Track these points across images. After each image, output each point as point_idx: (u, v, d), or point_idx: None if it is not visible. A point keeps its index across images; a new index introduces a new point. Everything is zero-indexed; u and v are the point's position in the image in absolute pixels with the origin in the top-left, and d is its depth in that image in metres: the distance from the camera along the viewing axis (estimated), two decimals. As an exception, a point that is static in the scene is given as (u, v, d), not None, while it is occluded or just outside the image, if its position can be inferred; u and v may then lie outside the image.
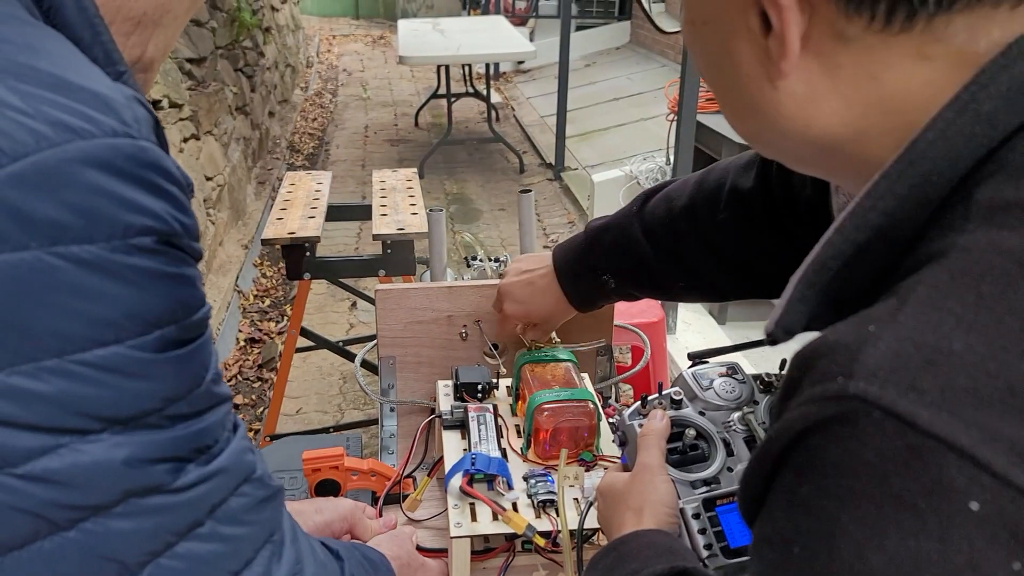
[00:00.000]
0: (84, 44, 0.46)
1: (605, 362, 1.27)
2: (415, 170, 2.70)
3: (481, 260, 1.30)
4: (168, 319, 0.45)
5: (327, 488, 1.05)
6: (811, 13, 0.42)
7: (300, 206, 2.31)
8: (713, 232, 0.91)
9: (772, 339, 0.48)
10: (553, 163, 5.80)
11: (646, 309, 2.70)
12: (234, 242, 4.55)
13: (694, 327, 3.50)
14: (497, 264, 1.30)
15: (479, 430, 0.99)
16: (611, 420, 1.01)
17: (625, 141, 5.87)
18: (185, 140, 4.05)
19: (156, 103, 3.79)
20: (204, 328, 0.49)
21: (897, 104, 0.43)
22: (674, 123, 3.53)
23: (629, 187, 4.49)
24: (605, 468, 0.97)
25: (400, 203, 2.35)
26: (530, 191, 1.33)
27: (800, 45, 0.43)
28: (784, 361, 0.88)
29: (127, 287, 0.43)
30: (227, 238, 4.50)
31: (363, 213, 2.51)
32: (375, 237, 2.14)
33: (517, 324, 1.11)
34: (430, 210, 1.26)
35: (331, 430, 2.59)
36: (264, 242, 2.11)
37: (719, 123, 3.62)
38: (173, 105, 3.97)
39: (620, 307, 2.78)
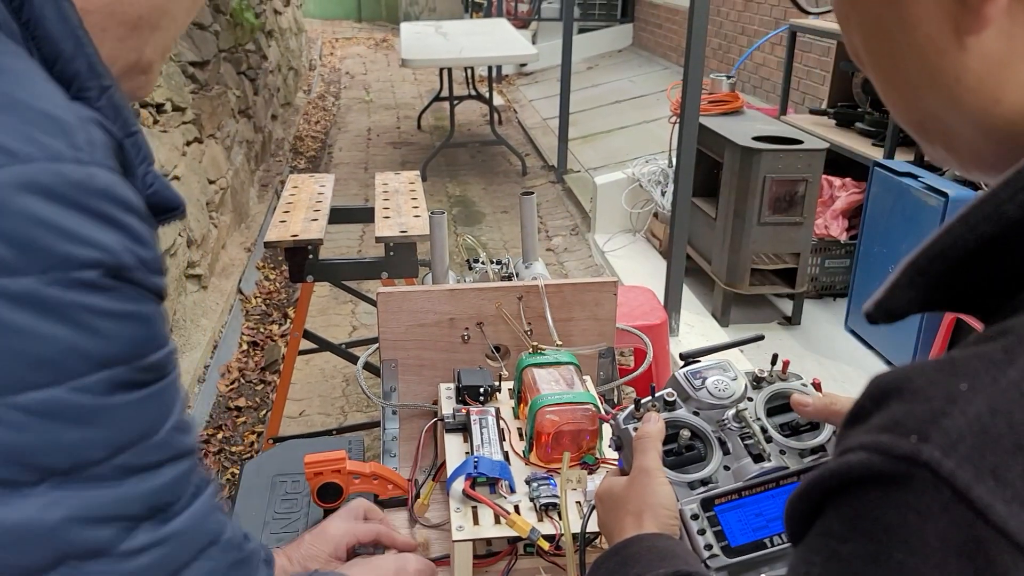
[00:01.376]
0: (66, 56, 0.44)
1: (607, 364, 1.27)
2: (417, 173, 2.70)
3: (483, 263, 1.30)
4: (118, 359, 0.41)
5: (329, 492, 1.05)
6: None
7: (303, 209, 2.32)
8: None
9: (870, 319, 0.43)
10: (555, 165, 5.80)
11: (649, 312, 2.70)
12: (237, 245, 4.56)
13: (697, 329, 3.50)
14: (499, 267, 1.30)
15: (481, 433, 0.99)
16: (607, 423, 1.01)
17: (628, 143, 5.87)
18: (188, 143, 4.05)
19: (159, 106, 3.80)
20: (165, 371, 0.44)
21: None
22: (676, 126, 3.53)
23: (631, 189, 4.50)
24: (608, 472, 0.97)
25: (402, 205, 2.35)
26: (532, 193, 1.33)
27: None
28: (775, 356, 0.88)
29: (66, 324, 0.39)
30: (230, 241, 4.51)
31: (366, 216, 2.51)
32: (378, 239, 2.14)
33: None
34: (432, 213, 1.27)
35: (334, 433, 2.59)
36: (267, 244, 2.11)
37: (721, 125, 3.62)
38: (176, 108, 3.98)
39: (622, 309, 2.78)
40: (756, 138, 3.41)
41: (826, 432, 0.81)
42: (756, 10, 6.07)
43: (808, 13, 0.54)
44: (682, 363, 0.89)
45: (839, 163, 3.61)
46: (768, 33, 4.82)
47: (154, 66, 0.54)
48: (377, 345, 1.21)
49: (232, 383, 3.43)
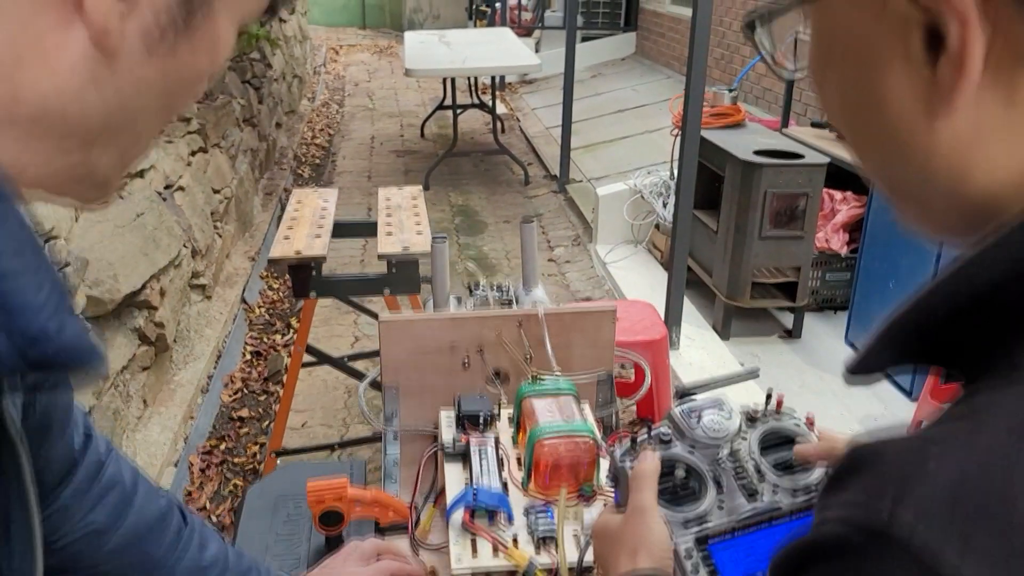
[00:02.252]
0: None
1: (606, 389, 1.29)
2: (420, 187, 2.72)
3: (484, 289, 1.32)
4: None
5: (331, 518, 1.07)
6: (991, 34, 0.36)
7: (306, 224, 2.34)
8: None
9: (851, 374, 0.45)
10: (558, 175, 5.82)
11: (649, 326, 2.72)
12: (241, 254, 4.58)
13: (697, 342, 3.51)
14: (499, 292, 1.32)
15: (480, 463, 1.01)
16: (603, 457, 1.03)
17: (630, 153, 5.90)
18: (193, 153, 4.08)
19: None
20: None
21: None
22: (678, 139, 3.55)
23: (633, 201, 4.52)
24: (605, 503, 0.98)
25: (405, 221, 2.37)
26: (533, 221, 1.35)
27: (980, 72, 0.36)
28: (770, 394, 0.90)
29: None
30: (234, 250, 4.53)
31: (369, 230, 2.53)
32: (380, 257, 2.16)
33: None
34: (434, 239, 1.28)
35: (335, 447, 2.61)
36: (271, 262, 2.13)
37: (723, 139, 3.64)
38: (181, 119, 4.00)
39: (623, 324, 2.79)
40: (757, 152, 3.43)
41: (818, 471, 0.82)
42: (759, 21, 6.09)
43: (782, 78, 0.56)
44: (679, 398, 0.91)
45: (840, 176, 3.62)
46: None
47: (112, 181, 0.46)
48: (379, 370, 1.22)
49: (235, 393, 3.45)
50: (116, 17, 0.38)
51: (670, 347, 3.26)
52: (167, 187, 3.60)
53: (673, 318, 3.44)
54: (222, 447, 3.08)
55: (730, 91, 3.81)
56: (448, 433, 1.10)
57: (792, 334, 3.65)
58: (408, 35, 6.93)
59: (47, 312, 0.37)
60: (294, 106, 7.59)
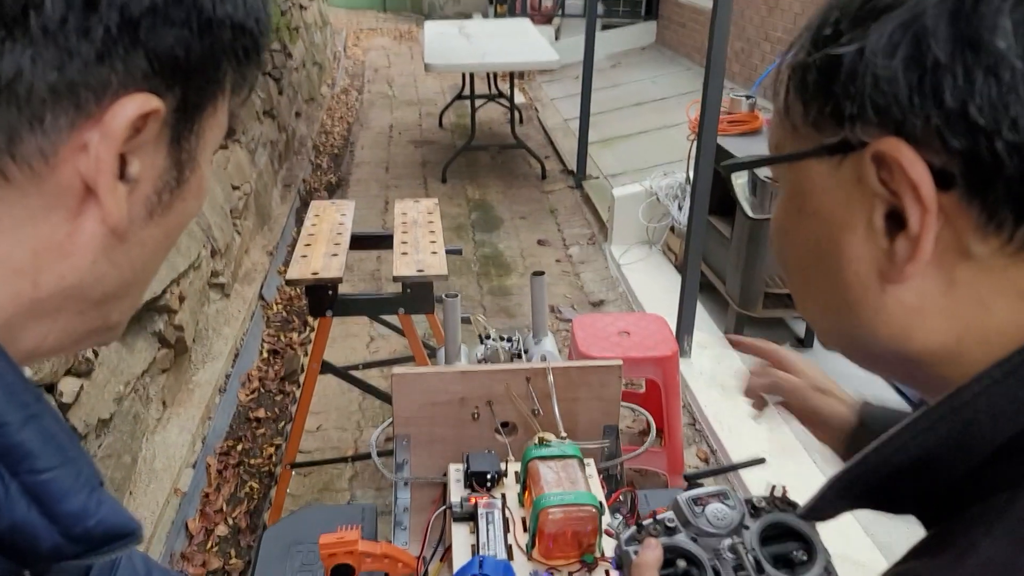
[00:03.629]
0: None
1: (611, 443, 1.32)
2: (435, 201, 2.75)
3: (493, 340, 1.36)
4: None
5: (342, 571, 1.11)
6: (942, 223, 0.41)
7: (324, 242, 2.37)
8: None
9: (803, 519, 0.52)
10: (575, 171, 5.82)
11: (660, 342, 2.74)
12: (259, 248, 4.63)
13: (709, 351, 3.53)
14: (509, 343, 1.36)
15: (487, 529, 1.05)
16: (608, 530, 1.06)
17: (646, 149, 5.88)
18: (213, 152, 4.12)
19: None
20: None
21: (997, 337, 0.42)
22: (694, 143, 3.55)
23: (649, 203, 4.52)
24: (607, 571, 1.02)
25: (420, 240, 2.40)
26: (543, 274, 1.38)
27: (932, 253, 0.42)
28: (774, 488, 0.93)
29: None
30: (252, 245, 4.59)
31: (385, 243, 2.56)
32: (395, 279, 2.20)
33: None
34: (444, 296, 1.32)
35: (350, 460, 2.66)
36: (289, 283, 2.17)
37: (739, 147, 3.63)
38: (201, 117, 4.04)
39: (634, 339, 2.81)
40: (774, 163, 3.42)
41: (818, 567, 0.85)
42: (780, 16, 6.04)
43: (749, 218, 0.60)
44: (686, 485, 0.94)
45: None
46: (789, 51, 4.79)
47: (121, 323, 0.49)
48: (391, 421, 1.26)
49: (252, 392, 3.51)
50: (124, 199, 0.40)
51: (681, 356, 3.29)
52: (187, 187, 3.64)
53: (685, 326, 3.46)
54: (239, 448, 3.15)
55: (747, 98, 3.80)
56: (457, 493, 1.14)
57: (804, 343, 3.66)
58: (428, 25, 6.92)
59: (85, 493, 0.41)
60: (313, 94, 7.61)
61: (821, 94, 0.45)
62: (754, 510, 0.90)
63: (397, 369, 1.23)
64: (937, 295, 0.43)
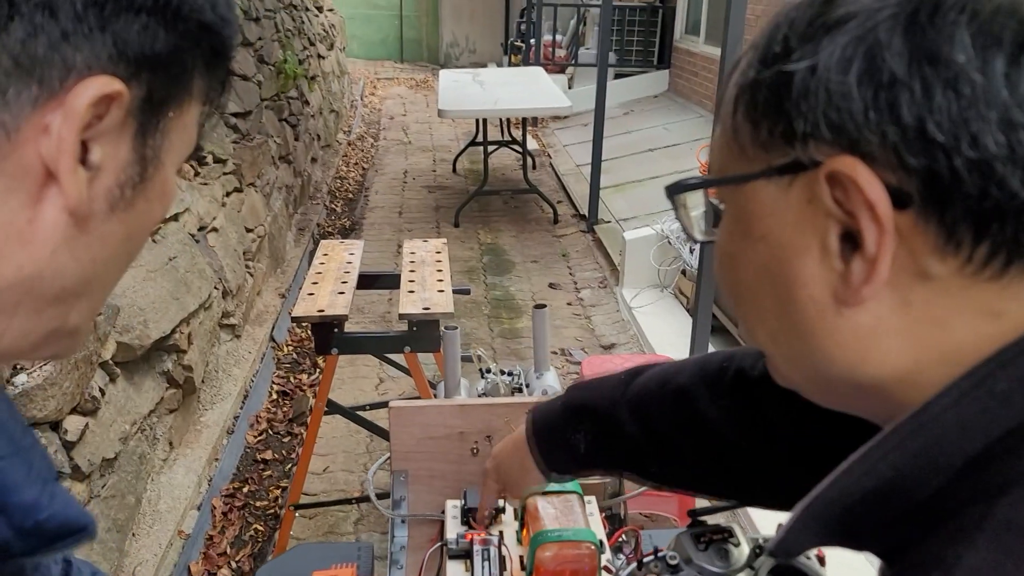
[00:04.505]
0: None
1: (614, 480, 1.29)
2: (444, 241, 2.75)
3: (494, 374, 1.34)
4: None
5: (335, 610, 1.08)
6: (898, 243, 0.40)
7: (331, 280, 2.37)
8: (706, 417, 0.78)
9: (774, 556, 0.50)
10: (587, 215, 5.84)
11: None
12: (272, 291, 4.65)
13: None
14: (510, 378, 1.34)
15: (483, 567, 1.02)
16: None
17: (659, 194, 5.82)
18: (228, 194, 4.17)
19: (201, 159, 3.93)
20: None
21: (955, 355, 0.41)
22: (705, 189, 3.55)
23: (660, 246, 4.52)
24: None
25: (427, 278, 2.40)
26: (544, 307, 1.37)
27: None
28: (780, 526, 0.89)
29: None
30: (265, 287, 4.61)
31: (392, 282, 2.56)
32: (401, 317, 2.19)
33: (495, 489, 1.02)
34: (444, 329, 1.30)
35: (354, 502, 2.62)
36: (294, 319, 2.17)
37: (750, 190, 3.63)
38: (217, 160, 4.10)
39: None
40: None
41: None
42: (791, 64, 6.09)
43: (694, 240, 0.58)
44: (689, 520, 0.91)
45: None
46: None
47: (81, 329, 0.47)
48: (387, 457, 1.24)
49: (260, 434, 3.49)
50: (85, 185, 0.40)
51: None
52: (200, 229, 3.68)
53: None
54: (245, 490, 3.11)
55: (759, 142, 3.81)
56: (452, 529, 1.11)
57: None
58: (443, 74, 7.04)
59: (38, 485, 0.40)
60: (330, 140, 7.72)
61: (772, 113, 0.44)
62: (760, 549, 0.87)
63: (395, 402, 1.22)
64: (893, 316, 0.42)
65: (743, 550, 0.86)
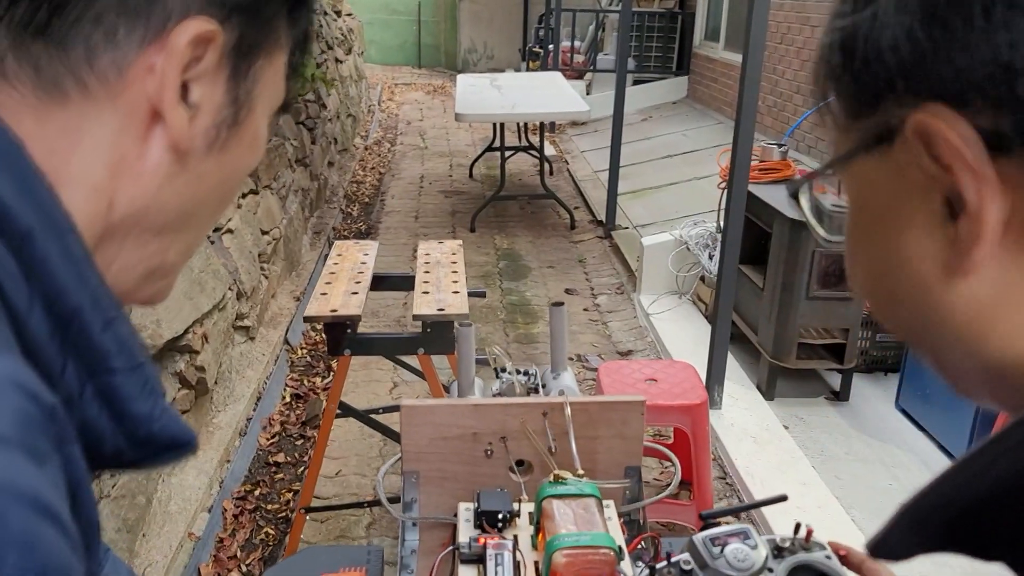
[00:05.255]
0: (68, 292, 0.42)
1: (634, 485, 1.24)
2: (459, 243, 2.72)
3: (510, 373, 1.29)
4: None
5: (342, 615, 1.04)
6: (1014, 197, 0.36)
7: (344, 280, 2.34)
8: None
9: (872, 556, 0.43)
10: (604, 221, 5.79)
11: (689, 390, 2.65)
12: (287, 293, 4.64)
13: (741, 403, 3.42)
14: (526, 377, 1.29)
15: (496, 571, 0.98)
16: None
17: (677, 200, 5.84)
18: (243, 196, 4.16)
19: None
20: None
21: None
22: (725, 191, 3.50)
23: (678, 252, 4.46)
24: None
25: (442, 279, 2.36)
26: (562, 304, 1.32)
27: (999, 232, 0.36)
28: (799, 525, 0.85)
29: None
30: (280, 290, 4.59)
31: (407, 284, 2.53)
32: (415, 318, 2.15)
33: None
34: (459, 325, 1.26)
35: (365, 505, 2.59)
36: (306, 319, 2.14)
37: (770, 195, 3.58)
38: (233, 162, 4.09)
39: (662, 386, 2.73)
40: (806, 210, 3.35)
41: (847, 617, 0.77)
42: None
43: (820, 241, 0.54)
44: (702, 524, 0.86)
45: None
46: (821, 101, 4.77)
47: (176, 268, 0.51)
48: (399, 457, 1.20)
49: (273, 437, 3.46)
50: (186, 122, 0.44)
51: (712, 407, 3.18)
52: (215, 230, 3.67)
53: (716, 376, 3.36)
54: (256, 493, 3.08)
55: (779, 146, 3.75)
56: (465, 533, 1.06)
57: (839, 396, 3.54)
58: (460, 78, 7.02)
59: (152, 399, 0.44)
60: (347, 144, 7.73)
61: (847, 75, 0.40)
62: (778, 551, 0.82)
63: (406, 400, 1.18)
64: (1016, 286, 0.37)
65: (760, 552, 0.81)
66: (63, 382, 0.41)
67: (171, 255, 0.49)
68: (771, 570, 0.80)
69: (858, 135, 0.41)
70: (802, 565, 0.81)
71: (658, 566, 0.80)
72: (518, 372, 1.30)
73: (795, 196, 0.49)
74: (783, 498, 0.93)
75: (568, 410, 1.15)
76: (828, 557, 0.82)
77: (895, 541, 0.43)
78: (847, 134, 0.42)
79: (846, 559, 0.82)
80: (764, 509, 2.48)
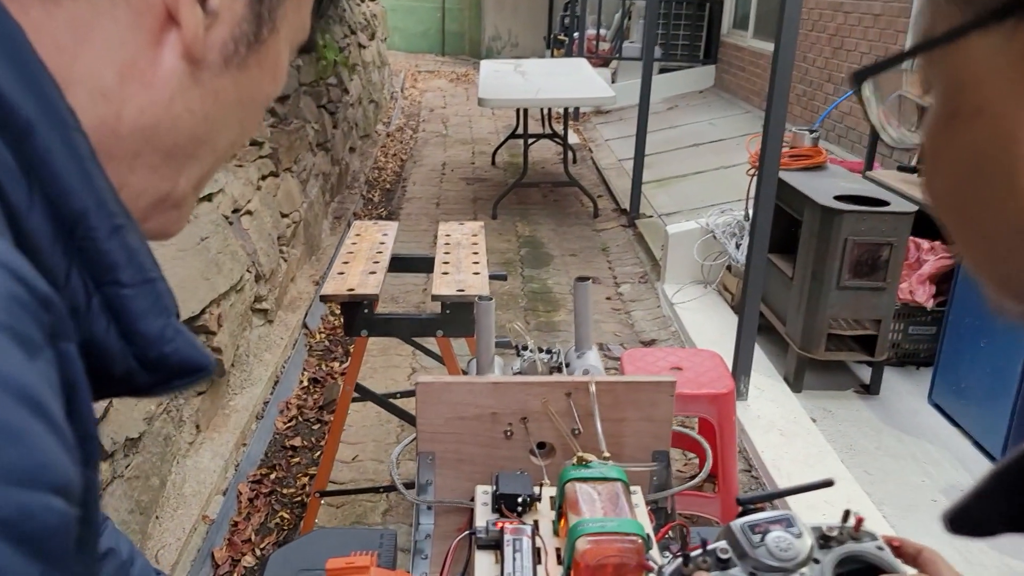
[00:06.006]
0: (72, 193, 0.40)
1: (662, 470, 1.17)
2: (481, 224, 2.65)
3: (531, 351, 1.23)
4: None
5: (350, 601, 0.98)
6: None
7: (362, 260, 2.28)
8: None
9: (952, 528, 0.38)
10: (628, 209, 5.70)
11: (716, 379, 2.57)
12: (306, 278, 4.60)
13: (767, 394, 3.33)
14: (548, 356, 1.22)
15: (514, 558, 0.91)
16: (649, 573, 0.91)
17: (703, 189, 5.74)
18: (263, 177, 4.12)
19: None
20: None
21: None
22: (754, 178, 3.40)
23: (705, 240, 4.37)
24: (650, 614, 0.87)
25: (463, 260, 2.30)
26: (587, 280, 1.25)
27: None
28: (847, 512, 0.77)
29: None
30: (299, 274, 4.55)
31: (426, 266, 2.47)
32: (434, 298, 2.09)
33: None
34: (478, 298, 1.20)
35: (381, 490, 2.53)
36: (323, 298, 2.08)
37: (801, 182, 3.47)
38: (253, 143, 4.05)
39: (688, 375, 2.65)
40: (838, 197, 3.25)
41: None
42: (845, 57, 5.88)
43: (888, 141, 0.46)
44: (739, 510, 0.79)
45: (928, 225, 3.41)
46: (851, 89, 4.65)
47: (188, 199, 0.49)
48: (414, 437, 1.14)
49: (290, 420, 3.42)
50: (202, 29, 0.41)
51: (738, 398, 3.10)
52: (235, 211, 3.63)
53: (742, 367, 3.27)
54: (272, 476, 3.04)
55: (811, 132, 3.65)
56: (482, 517, 1.00)
57: (870, 389, 3.43)
58: (484, 63, 6.94)
59: (163, 318, 0.41)
60: (369, 131, 7.68)
61: None
62: (824, 540, 0.75)
63: (422, 376, 1.11)
64: None
65: (805, 541, 0.73)
66: (67, 290, 0.38)
67: (182, 183, 0.46)
68: (817, 561, 0.73)
69: (969, 8, 0.34)
70: (851, 556, 0.73)
71: (692, 554, 0.72)
72: (540, 350, 1.23)
73: (858, 84, 0.41)
74: (829, 483, 0.86)
75: (593, 388, 1.08)
76: (880, 548, 0.74)
77: (981, 512, 0.37)
78: (951, 6, 0.35)
79: (899, 550, 0.75)
80: (791, 501, 2.39)
